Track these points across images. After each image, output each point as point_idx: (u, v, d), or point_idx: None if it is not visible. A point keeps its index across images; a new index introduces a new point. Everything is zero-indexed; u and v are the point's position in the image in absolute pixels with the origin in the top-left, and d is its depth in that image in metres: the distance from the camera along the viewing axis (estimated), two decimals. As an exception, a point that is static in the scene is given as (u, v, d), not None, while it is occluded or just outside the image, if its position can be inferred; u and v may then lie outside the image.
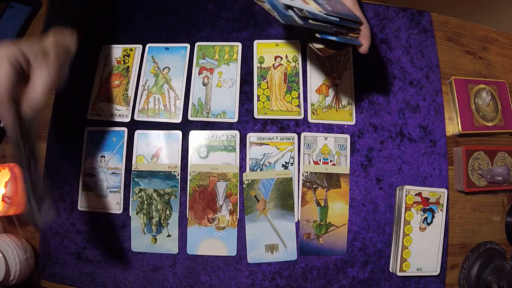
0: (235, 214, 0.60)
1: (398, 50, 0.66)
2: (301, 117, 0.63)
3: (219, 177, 0.61)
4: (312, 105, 0.63)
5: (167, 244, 0.60)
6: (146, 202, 0.60)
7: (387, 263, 0.60)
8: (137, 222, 0.60)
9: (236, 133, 0.62)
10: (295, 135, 0.62)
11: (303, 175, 0.61)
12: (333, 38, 0.46)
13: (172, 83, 0.64)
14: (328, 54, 0.51)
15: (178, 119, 0.63)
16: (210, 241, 0.60)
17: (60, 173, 0.62)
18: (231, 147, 0.62)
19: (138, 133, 0.63)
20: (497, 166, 0.63)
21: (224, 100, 0.63)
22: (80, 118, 0.64)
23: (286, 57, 0.65)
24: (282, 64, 0.65)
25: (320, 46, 0.49)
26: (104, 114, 0.64)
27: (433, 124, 0.64)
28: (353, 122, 0.63)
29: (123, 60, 0.66)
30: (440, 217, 0.60)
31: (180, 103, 0.63)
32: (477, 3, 1.27)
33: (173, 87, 0.64)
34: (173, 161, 0.61)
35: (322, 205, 0.60)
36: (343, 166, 0.62)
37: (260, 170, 0.61)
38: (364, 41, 0.50)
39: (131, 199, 0.61)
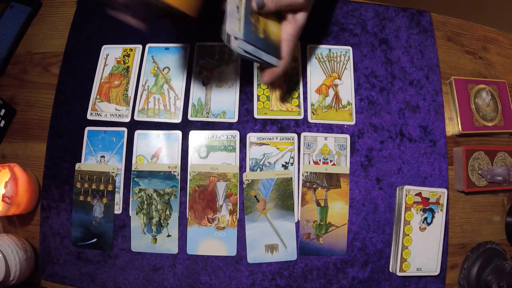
0: (235, 214, 0.60)
1: (398, 50, 0.66)
2: (301, 117, 0.63)
3: (219, 177, 0.61)
4: (312, 105, 0.63)
5: (167, 244, 0.60)
6: (146, 202, 0.60)
7: (387, 263, 0.60)
8: (137, 222, 0.60)
9: (236, 133, 0.62)
10: (295, 135, 0.62)
11: (303, 175, 0.61)
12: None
13: (172, 83, 0.64)
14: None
15: (178, 119, 0.63)
16: (210, 241, 0.60)
17: (60, 173, 0.62)
18: (231, 147, 0.62)
19: (138, 133, 0.63)
20: (497, 166, 0.63)
21: (224, 100, 0.63)
22: (80, 118, 0.64)
23: (286, 57, 0.65)
24: (282, 64, 0.65)
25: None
26: (104, 114, 0.64)
27: (433, 124, 0.64)
28: (353, 122, 0.63)
29: (123, 60, 0.66)
30: (440, 217, 0.60)
31: (180, 103, 0.63)
32: (477, 3, 1.27)
33: (173, 87, 0.64)
34: (173, 161, 0.61)
35: (322, 205, 0.60)
36: (343, 166, 0.62)
37: (260, 170, 0.61)
38: (266, 74, 0.52)
39: (131, 199, 0.61)
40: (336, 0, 0.68)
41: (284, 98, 0.63)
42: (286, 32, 0.50)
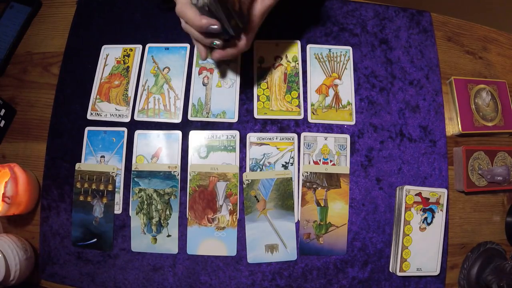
0: (235, 214, 0.60)
1: (398, 50, 0.66)
2: (301, 117, 0.63)
3: (219, 177, 0.61)
4: (312, 105, 0.63)
5: (167, 244, 0.60)
6: (146, 202, 0.60)
7: (387, 263, 0.60)
8: (137, 222, 0.60)
9: (236, 133, 0.62)
10: (295, 135, 0.62)
11: (303, 175, 0.61)
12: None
13: (172, 83, 0.64)
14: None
15: (178, 119, 0.63)
16: (210, 241, 0.60)
17: (60, 173, 0.62)
18: (231, 147, 0.62)
19: (138, 133, 0.63)
20: (497, 166, 0.63)
21: (224, 100, 0.63)
22: (80, 118, 0.64)
23: (286, 57, 0.65)
24: (282, 64, 0.65)
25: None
26: (104, 114, 0.64)
27: (433, 124, 0.64)
28: (353, 122, 0.63)
29: (123, 60, 0.66)
30: (440, 217, 0.60)
31: (180, 103, 0.63)
32: (477, 3, 1.27)
33: (173, 87, 0.64)
34: (173, 161, 0.61)
35: (322, 205, 0.60)
36: (343, 166, 0.62)
37: (260, 170, 0.61)
38: (218, 51, 0.51)
39: (131, 199, 0.61)
40: None
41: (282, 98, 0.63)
42: (253, 12, 0.49)
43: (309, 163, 0.61)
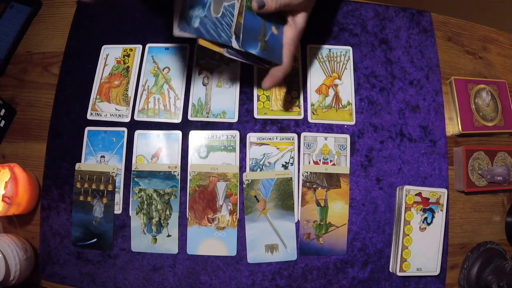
0: (235, 214, 0.60)
1: (398, 50, 0.66)
2: (301, 117, 0.63)
3: (219, 177, 0.61)
4: (312, 105, 0.63)
5: (167, 244, 0.60)
6: (146, 202, 0.60)
7: (387, 263, 0.60)
8: (137, 222, 0.60)
9: (236, 133, 0.62)
10: (295, 135, 0.62)
11: (303, 175, 0.61)
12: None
13: (172, 83, 0.64)
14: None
15: (178, 119, 0.63)
16: (210, 241, 0.60)
17: (60, 173, 0.62)
18: (231, 147, 0.62)
19: (138, 133, 0.63)
20: (497, 166, 0.63)
21: (224, 100, 0.63)
22: (80, 118, 0.64)
23: (286, 57, 0.65)
24: (282, 64, 0.65)
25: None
26: (104, 114, 0.64)
27: (433, 124, 0.64)
28: (353, 122, 0.63)
29: (123, 60, 0.66)
30: (440, 217, 0.60)
31: (180, 103, 0.63)
32: (477, 3, 1.27)
33: (173, 87, 0.64)
34: (173, 161, 0.61)
35: (322, 205, 0.60)
36: (343, 166, 0.62)
37: (260, 170, 0.61)
38: (267, 80, 0.51)
39: (131, 199, 0.61)
40: (339, 2, 0.68)
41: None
42: (286, 36, 0.50)
43: (309, 163, 0.61)
